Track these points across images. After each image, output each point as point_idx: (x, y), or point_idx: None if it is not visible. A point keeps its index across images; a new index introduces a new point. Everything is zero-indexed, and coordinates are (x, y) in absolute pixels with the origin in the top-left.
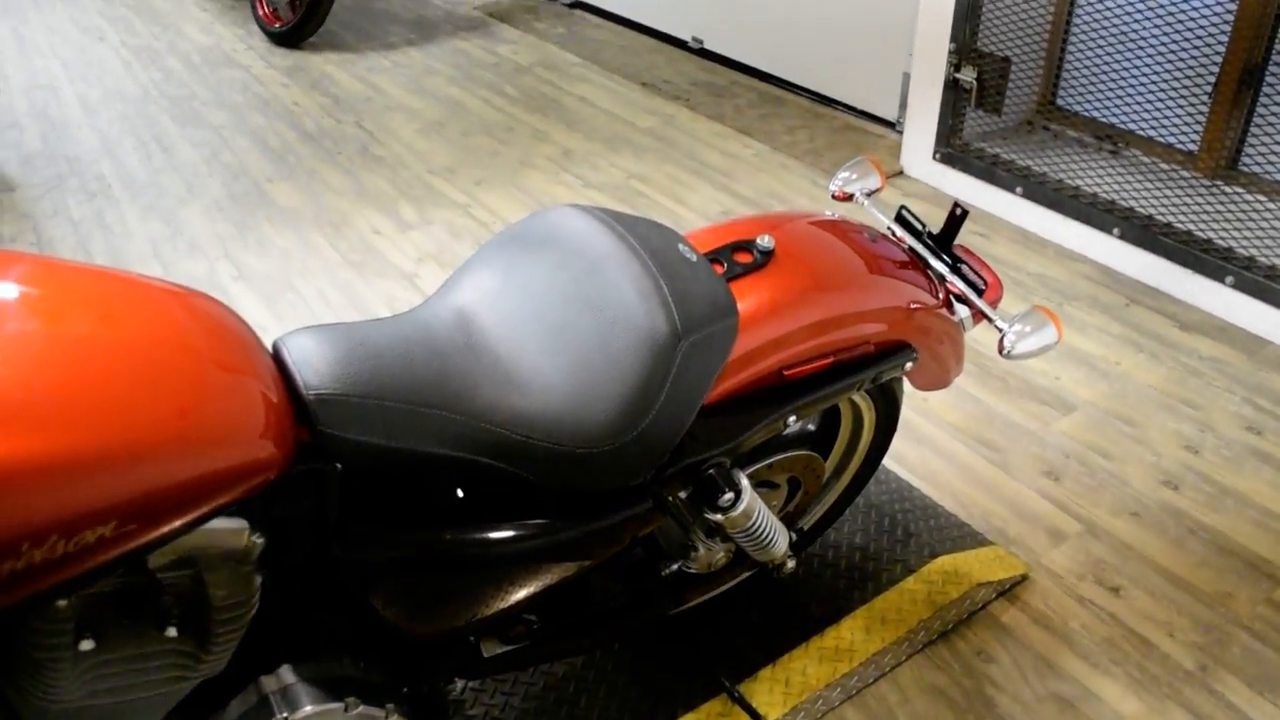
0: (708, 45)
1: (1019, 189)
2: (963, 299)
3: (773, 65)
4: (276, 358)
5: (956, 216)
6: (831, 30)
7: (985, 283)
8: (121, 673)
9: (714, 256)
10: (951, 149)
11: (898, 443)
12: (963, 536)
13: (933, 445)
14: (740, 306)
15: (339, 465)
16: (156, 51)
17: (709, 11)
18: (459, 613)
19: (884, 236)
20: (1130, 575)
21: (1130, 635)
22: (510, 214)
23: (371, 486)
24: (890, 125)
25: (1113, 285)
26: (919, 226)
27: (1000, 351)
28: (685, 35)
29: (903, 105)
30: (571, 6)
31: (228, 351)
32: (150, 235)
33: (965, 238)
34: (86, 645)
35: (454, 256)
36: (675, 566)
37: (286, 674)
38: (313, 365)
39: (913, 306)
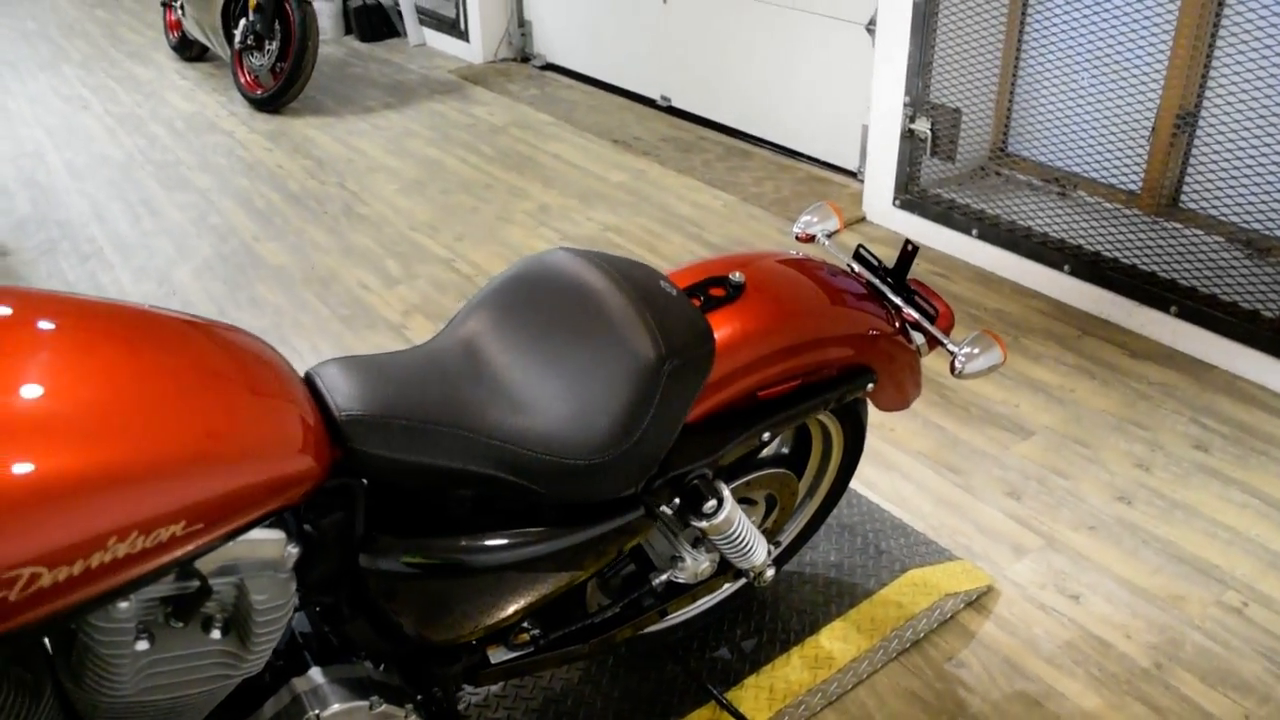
0: (675, 103)
1: (974, 231)
2: (917, 326)
3: (738, 121)
4: (310, 384)
5: (908, 253)
6: (793, 86)
7: (936, 311)
8: (171, 671)
9: (691, 292)
10: (910, 195)
11: (869, 470)
12: (931, 552)
13: (901, 471)
14: (716, 335)
15: (365, 480)
16: (140, 119)
17: (676, 71)
18: (469, 619)
19: (844, 271)
20: (1088, 584)
21: (1090, 638)
22: (492, 267)
23: (393, 501)
24: (852, 175)
25: (1065, 318)
26: (875, 262)
27: (952, 372)
28: (654, 94)
29: (863, 155)
30: (543, 69)
31: (266, 378)
32: (145, 295)
33: (926, 279)
34: (142, 645)
35: (440, 308)
36: (664, 577)
37: (316, 675)
38: (342, 390)
39: (872, 333)
